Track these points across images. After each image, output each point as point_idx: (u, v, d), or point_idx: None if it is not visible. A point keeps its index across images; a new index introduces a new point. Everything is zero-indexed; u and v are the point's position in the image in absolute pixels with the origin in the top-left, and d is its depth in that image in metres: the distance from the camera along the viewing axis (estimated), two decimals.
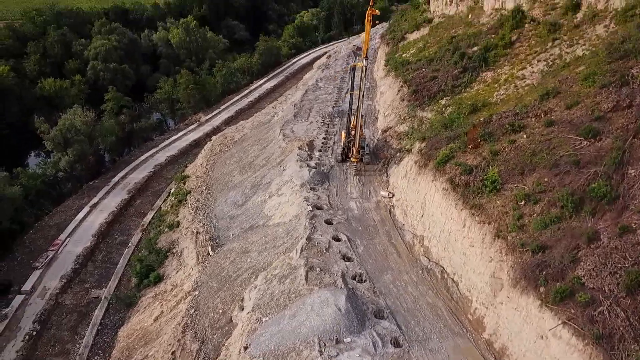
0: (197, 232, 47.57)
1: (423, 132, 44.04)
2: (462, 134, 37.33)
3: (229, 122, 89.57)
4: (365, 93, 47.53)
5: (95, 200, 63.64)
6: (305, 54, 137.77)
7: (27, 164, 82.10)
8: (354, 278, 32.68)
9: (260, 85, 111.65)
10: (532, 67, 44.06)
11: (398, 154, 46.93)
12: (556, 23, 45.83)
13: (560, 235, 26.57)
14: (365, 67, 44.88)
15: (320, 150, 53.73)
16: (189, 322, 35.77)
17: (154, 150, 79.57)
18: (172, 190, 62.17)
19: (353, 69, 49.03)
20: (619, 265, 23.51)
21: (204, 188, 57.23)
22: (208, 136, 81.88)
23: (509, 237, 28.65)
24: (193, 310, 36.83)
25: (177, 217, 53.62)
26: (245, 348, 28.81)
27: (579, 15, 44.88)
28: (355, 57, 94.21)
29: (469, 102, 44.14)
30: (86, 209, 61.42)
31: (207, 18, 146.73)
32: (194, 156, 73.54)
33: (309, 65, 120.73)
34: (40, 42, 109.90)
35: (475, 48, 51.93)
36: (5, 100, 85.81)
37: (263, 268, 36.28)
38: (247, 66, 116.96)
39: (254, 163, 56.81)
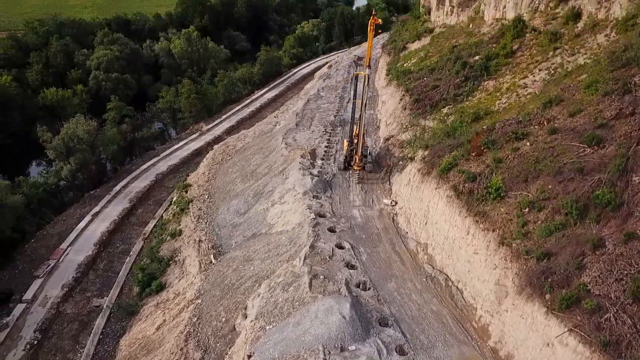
0: (200, 241, 47.48)
1: (426, 140, 44.16)
2: (465, 141, 37.42)
3: (230, 131, 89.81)
4: (367, 102, 47.63)
5: (96, 209, 63.67)
6: (306, 64, 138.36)
7: (29, 173, 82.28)
8: (358, 286, 32.57)
9: (262, 95, 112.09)
10: (533, 76, 44.27)
11: (400, 162, 46.99)
12: (557, 32, 46.11)
13: (565, 242, 26.55)
14: (368, 75, 45.08)
15: (322, 159, 53.82)
16: (192, 330, 35.59)
17: (155, 159, 79.74)
18: (174, 199, 62.15)
19: (356, 77, 49.25)
20: (625, 271, 23.48)
21: (206, 196, 57.22)
22: (209, 145, 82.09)
23: (513, 245, 28.62)
24: (196, 318, 36.67)
25: (180, 225, 53.55)
26: (249, 356, 28.63)
27: (580, 24, 45.18)
28: (357, 67, 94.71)
29: (471, 111, 44.29)
30: (88, 218, 61.44)
31: (209, 29, 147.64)
32: (196, 165, 73.65)
33: (309, 75, 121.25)
34: (43, 52, 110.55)
35: (477, 57, 52.21)
36: (8, 110, 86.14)
37: (266, 276, 36.18)
38: (249, 76, 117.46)
39: (256, 171, 56.85)
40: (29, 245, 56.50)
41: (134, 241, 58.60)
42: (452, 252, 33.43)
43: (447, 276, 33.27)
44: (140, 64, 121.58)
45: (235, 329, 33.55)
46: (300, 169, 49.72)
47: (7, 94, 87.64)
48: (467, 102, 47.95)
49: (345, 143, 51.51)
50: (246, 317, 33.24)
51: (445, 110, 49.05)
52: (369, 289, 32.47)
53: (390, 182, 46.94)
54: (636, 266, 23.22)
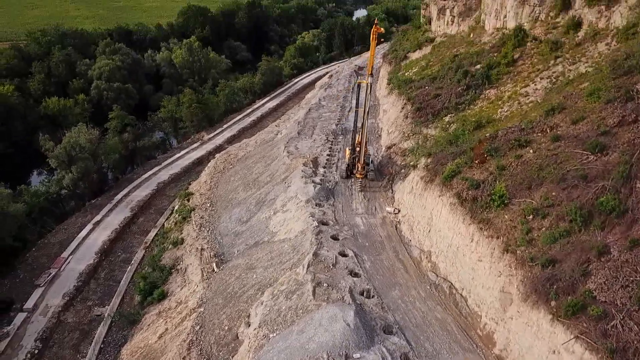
0: (202, 249, 47.38)
1: (428, 148, 44.29)
2: (468, 149, 37.49)
3: (231, 140, 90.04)
4: (369, 110, 47.84)
5: (98, 217, 63.62)
6: (307, 74, 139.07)
7: (30, 182, 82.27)
8: (361, 294, 32.44)
9: (263, 104, 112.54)
10: (535, 85, 44.50)
11: (403, 170, 47.04)
12: (558, 42, 46.44)
13: (570, 249, 26.50)
14: (371, 84, 45.29)
15: (324, 167, 53.90)
16: (194, 339, 35.38)
17: (156, 168, 79.81)
18: (176, 208, 62.12)
19: (358, 86, 49.47)
20: (631, 278, 23.42)
21: (208, 205, 57.20)
22: (211, 154, 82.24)
23: (518, 252, 28.57)
24: (198, 327, 36.47)
25: (181, 234, 53.47)
26: None
27: (580, 33, 45.52)
28: (357, 77, 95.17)
29: (473, 119, 44.47)
30: (89, 227, 61.36)
31: (210, 39, 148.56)
32: (197, 174, 73.69)
33: (310, 85, 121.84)
34: (45, 62, 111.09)
35: (478, 66, 52.51)
36: (10, 119, 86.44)
37: (269, 284, 36.06)
38: (250, 86, 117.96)
39: (258, 180, 56.89)
40: (30, 254, 56.36)
41: (135, 250, 58.51)
42: (456, 259, 33.35)
43: (451, 284, 33.16)
44: (142, 74, 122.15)
45: (238, 338, 33.38)
46: (302, 177, 49.77)
47: (9, 103, 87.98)
48: (469, 111, 48.15)
49: (347, 151, 51.63)
50: (249, 326, 33.09)
51: (447, 119, 49.24)
52: (373, 296, 32.34)
53: (392, 190, 46.96)
54: None
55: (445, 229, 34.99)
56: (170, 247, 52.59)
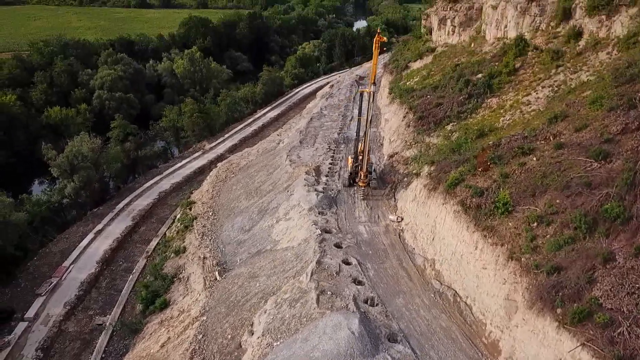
0: (204, 258, 47.26)
1: (431, 156, 44.35)
2: (472, 157, 37.57)
3: (233, 150, 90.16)
4: (371, 118, 48.02)
5: (99, 226, 63.55)
6: (308, 84, 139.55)
7: (31, 192, 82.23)
8: (365, 302, 32.32)
9: (264, 114, 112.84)
10: (536, 93, 44.70)
11: (405, 178, 47.07)
12: (559, 51, 46.74)
13: (575, 256, 26.44)
14: (373, 92, 45.50)
15: (327, 175, 53.94)
16: (197, 348, 35.19)
17: (158, 177, 79.83)
18: (178, 216, 62.09)
19: (361, 94, 49.69)
20: (637, 285, 23.37)
21: (210, 214, 57.16)
22: (212, 164, 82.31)
23: (522, 259, 28.51)
24: (201, 335, 36.30)
25: (184, 242, 53.37)
26: None
27: (581, 43, 45.83)
28: (359, 86, 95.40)
29: (476, 128, 44.60)
30: (90, 236, 61.27)
31: (211, 49, 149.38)
32: (199, 183, 73.71)
33: (311, 95, 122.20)
34: (47, 72, 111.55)
35: (480, 75, 52.77)
36: (12, 129, 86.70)
37: (272, 292, 35.91)
38: (251, 95, 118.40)
39: (260, 188, 56.91)
40: (31, 263, 56.22)
41: (136, 259, 58.38)
42: (460, 267, 33.28)
43: (456, 292, 33.05)
44: (143, 84, 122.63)
45: (241, 346, 33.19)
46: (305, 185, 49.79)
47: (11, 112, 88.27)
48: (471, 119, 48.31)
49: (350, 160, 51.73)
50: (252, 334, 32.90)
51: (449, 127, 49.38)
52: (377, 304, 32.22)
53: (395, 198, 46.96)
54: None
55: (449, 236, 34.95)
56: (172, 255, 52.47)
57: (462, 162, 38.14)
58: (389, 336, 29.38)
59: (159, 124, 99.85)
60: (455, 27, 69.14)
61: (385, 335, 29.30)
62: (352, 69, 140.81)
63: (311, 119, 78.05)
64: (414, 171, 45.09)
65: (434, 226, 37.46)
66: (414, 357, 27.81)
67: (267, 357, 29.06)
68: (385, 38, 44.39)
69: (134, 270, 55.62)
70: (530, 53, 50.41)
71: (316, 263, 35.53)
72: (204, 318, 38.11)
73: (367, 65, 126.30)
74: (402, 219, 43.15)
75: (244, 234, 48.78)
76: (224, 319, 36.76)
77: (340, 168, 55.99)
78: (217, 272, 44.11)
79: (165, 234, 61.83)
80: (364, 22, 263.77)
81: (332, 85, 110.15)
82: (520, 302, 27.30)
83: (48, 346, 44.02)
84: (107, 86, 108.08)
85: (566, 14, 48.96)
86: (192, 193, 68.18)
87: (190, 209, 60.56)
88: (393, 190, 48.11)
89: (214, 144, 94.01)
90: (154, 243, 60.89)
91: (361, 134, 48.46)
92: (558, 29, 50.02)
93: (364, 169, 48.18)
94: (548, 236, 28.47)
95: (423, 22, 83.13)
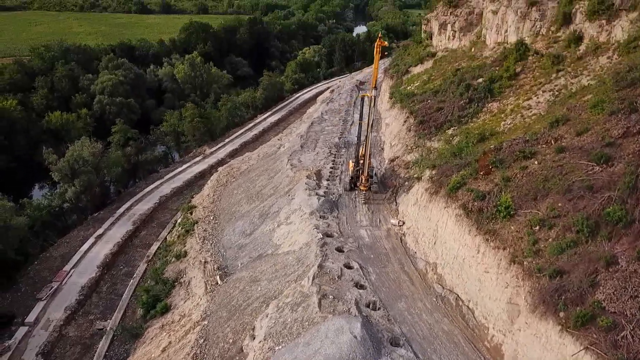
0: (205, 262, 47.17)
1: (432, 160, 44.37)
2: (473, 161, 37.58)
3: (233, 154, 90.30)
4: (373, 122, 48.11)
5: (100, 231, 63.59)
6: (308, 89, 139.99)
7: (32, 196, 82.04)
8: (367, 306, 32.23)
9: (264, 119, 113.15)
10: (537, 98, 44.78)
11: (407, 182, 47.06)
12: (559, 55, 46.87)
13: (577, 259, 26.42)
14: (375, 97, 45.59)
15: (328, 180, 53.93)
16: (199, 352, 35.04)
17: (159, 182, 79.97)
18: (179, 221, 62.08)
19: (362, 98, 49.77)
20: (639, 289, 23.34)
21: (212, 218, 57.12)
22: (213, 168, 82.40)
23: (525, 263, 28.46)
24: (202, 340, 36.15)
25: (185, 246, 53.31)
26: None
27: (582, 47, 45.96)
28: (359, 91, 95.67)
29: (477, 132, 44.64)
30: (91, 240, 61.31)
31: (211, 54, 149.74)
32: (199, 188, 73.77)
33: (311, 100, 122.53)
34: (48, 77, 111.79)
35: (480, 80, 52.85)
36: (13, 133, 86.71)
37: (274, 296, 35.82)
38: (251, 100, 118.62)
39: (261, 192, 56.89)
40: (31, 267, 56.19)
41: (137, 263, 58.37)
42: (462, 271, 33.22)
43: (458, 295, 32.99)
44: (144, 89, 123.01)
45: (242, 350, 33.04)
46: (306, 189, 49.77)
47: (12, 117, 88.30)
48: (472, 124, 48.36)
49: (351, 164, 51.76)
50: (254, 338, 32.78)
51: (450, 132, 49.43)
52: (379, 308, 32.13)
53: (396, 202, 46.93)
54: None
55: (451, 240, 34.91)
56: (173, 260, 52.41)
57: (463, 166, 38.14)
58: (391, 340, 29.28)
59: (160, 129, 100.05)
60: (455, 32, 69.33)
61: (388, 339, 29.20)
62: (353, 74, 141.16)
63: (312, 123, 78.16)
64: (415, 175, 45.05)
65: (435, 230, 37.43)
66: None
67: None
68: (386, 42, 44.49)
69: (135, 275, 55.60)
70: (530, 57, 50.52)
71: (318, 267, 35.46)
72: (205, 322, 37.99)
73: (367, 70, 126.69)
74: (404, 222, 43.12)
75: (245, 238, 48.74)
76: (225, 323, 36.65)
77: (342, 172, 56.01)
78: (218, 277, 44.02)
79: (166, 238, 61.84)
80: (364, 27, 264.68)
81: (333, 90, 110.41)
82: (523, 305, 27.25)
83: (48, 351, 43.95)
84: (108, 91, 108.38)
85: (566, 19, 49.14)
86: (193, 197, 68.20)
87: (191, 213, 60.55)
88: (394, 194, 48.09)
89: (214, 148, 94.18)
90: (154, 247, 60.90)
91: (362, 138, 48.52)
92: (558, 34, 50.19)
93: (366, 173, 48.21)
94: (550, 240, 28.45)
95: (423, 27, 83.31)
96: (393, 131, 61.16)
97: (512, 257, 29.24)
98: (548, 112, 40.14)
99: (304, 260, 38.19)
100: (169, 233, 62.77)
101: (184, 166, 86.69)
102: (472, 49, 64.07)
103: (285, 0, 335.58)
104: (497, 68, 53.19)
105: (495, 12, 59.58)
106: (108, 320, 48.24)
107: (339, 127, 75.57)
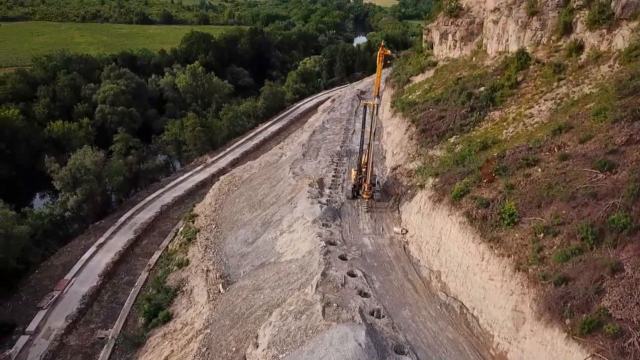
0: (208, 270, 47.06)
1: (435, 168, 44.40)
2: (476, 169, 37.63)
3: (234, 163, 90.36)
4: (375, 131, 48.24)
5: (101, 240, 63.48)
6: (309, 98, 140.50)
7: (32, 205, 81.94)
8: (372, 313, 32.12)
9: (266, 128, 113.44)
10: (539, 106, 44.94)
11: (409, 190, 47.06)
12: (561, 64, 47.11)
13: (583, 266, 26.35)
14: (377, 105, 45.77)
15: (330, 188, 53.94)
16: None
17: (160, 191, 79.95)
18: (181, 229, 62.06)
19: (365, 107, 49.96)
20: None
21: (214, 226, 57.07)
22: (214, 177, 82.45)
23: (529, 270, 28.39)
24: (205, 348, 35.96)
25: (187, 255, 53.22)
26: None
27: (583, 56, 46.22)
28: (360, 100, 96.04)
29: (479, 140, 44.76)
30: (92, 249, 61.18)
31: (212, 64, 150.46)
32: (201, 197, 73.77)
33: (312, 109, 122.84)
34: (50, 87, 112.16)
35: (482, 88, 53.07)
36: (14, 142, 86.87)
37: (277, 304, 35.68)
38: (253, 110, 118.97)
39: (263, 201, 56.89)
40: (33, 276, 56.03)
41: (138, 272, 58.22)
42: (466, 279, 33.13)
43: (462, 303, 32.86)
44: (146, 98, 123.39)
45: (246, 359, 32.84)
46: (308, 197, 49.76)
47: (14, 126, 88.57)
48: (474, 132, 48.48)
49: (353, 172, 51.81)
50: (257, 347, 32.59)
51: (452, 140, 49.53)
52: (383, 316, 32.02)
53: (399, 210, 46.91)
54: None
55: (455, 248, 34.85)
56: (175, 268, 52.28)
57: (466, 174, 38.17)
58: (395, 348, 29.15)
59: (161, 138, 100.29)
60: (456, 41, 69.78)
61: (392, 347, 29.07)
62: (353, 83, 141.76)
63: (313, 132, 78.35)
64: (418, 183, 45.05)
65: (439, 238, 37.38)
66: None
67: None
68: (389, 51, 44.75)
69: (136, 284, 55.44)
70: (532, 66, 50.78)
71: (321, 275, 35.36)
72: (208, 331, 37.82)
73: (368, 80, 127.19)
74: (407, 231, 43.08)
75: (247, 247, 48.65)
76: (228, 332, 36.47)
77: (344, 180, 56.06)
78: (220, 285, 43.89)
79: (167, 247, 61.75)
80: (364, 38, 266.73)
81: (334, 100, 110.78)
82: (528, 313, 27.13)
83: None
84: (110, 100, 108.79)
85: (567, 28, 49.50)
86: (195, 206, 68.16)
87: (193, 222, 60.50)
88: (397, 202, 48.08)
89: (215, 157, 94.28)
90: (156, 256, 60.78)
91: (365, 146, 48.61)
92: (559, 43, 50.52)
93: (368, 181, 48.24)
94: (555, 247, 28.41)
95: (424, 36, 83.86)
96: (395, 140, 61.30)
97: (517, 265, 29.17)
98: (550, 120, 40.29)
99: (307, 268, 38.09)
100: (170, 242, 62.70)
101: (185, 175, 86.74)
102: (473, 58, 64.45)
103: (285, 11, 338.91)
104: (499, 77, 53.45)
105: (496, 22, 60.02)
106: (109, 329, 48.01)
107: (341, 135, 75.78)
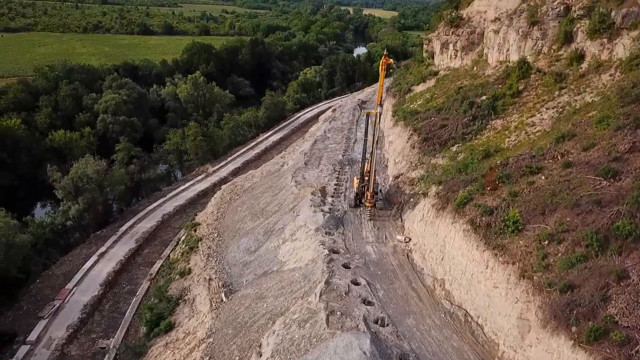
0: (210, 279, 46.91)
1: (438, 176, 44.44)
2: (479, 176, 37.66)
3: (236, 172, 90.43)
4: (377, 139, 48.36)
5: (103, 249, 63.27)
6: (309, 108, 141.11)
7: (34, 214, 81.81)
8: (376, 322, 31.95)
9: (267, 137, 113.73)
10: (541, 115, 45.13)
11: (412, 198, 47.08)
12: (562, 73, 47.40)
13: (588, 274, 26.25)
14: (380, 113, 45.95)
15: (332, 196, 53.95)
16: None
17: (161, 200, 79.85)
18: (183, 238, 61.92)
19: (367, 115, 50.12)
20: None
21: (216, 235, 56.98)
22: (216, 186, 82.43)
23: (534, 277, 28.28)
24: (207, 358, 35.77)
25: (189, 264, 53.07)
26: None
27: (584, 65, 46.52)
28: (361, 110, 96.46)
29: (481, 148, 44.89)
30: (94, 258, 60.94)
31: (214, 75, 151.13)
32: (202, 206, 73.72)
33: (313, 119, 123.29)
34: (52, 96, 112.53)
35: (484, 97, 53.27)
36: (16, 152, 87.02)
37: (280, 313, 35.51)
38: (254, 119, 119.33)
39: (265, 210, 56.86)
40: (34, 285, 55.71)
41: (140, 281, 57.94)
42: (470, 286, 33.00)
43: (467, 311, 32.71)
44: (147, 108, 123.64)
45: None
46: (311, 205, 49.76)
47: (16, 136, 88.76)
48: (476, 140, 48.62)
49: (355, 181, 51.88)
50: (261, 356, 32.38)
51: (454, 149, 49.66)
52: (388, 325, 31.86)
53: (402, 218, 46.89)
54: None
55: (459, 256, 34.77)
56: (177, 277, 52.10)
57: (470, 182, 38.19)
58: (400, 356, 28.95)
59: (163, 147, 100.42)
60: (457, 51, 70.20)
61: (397, 356, 28.88)
62: (354, 93, 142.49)
63: (315, 141, 78.55)
64: (421, 191, 45.07)
65: (443, 246, 37.30)
66: None
67: None
68: (391, 60, 45.01)
69: (138, 293, 55.14)
70: (533, 75, 51.06)
71: (325, 283, 35.22)
72: (211, 340, 37.61)
73: (368, 90, 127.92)
74: (410, 239, 43.01)
75: (249, 255, 48.53)
76: (231, 341, 36.27)
77: (346, 189, 56.11)
78: (223, 294, 43.72)
79: (169, 256, 61.55)
80: (364, 48, 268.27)
81: (335, 109, 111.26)
82: (534, 321, 26.99)
83: None
84: (111, 110, 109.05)
85: (568, 38, 49.87)
86: (196, 215, 68.10)
87: (195, 231, 60.39)
88: (399, 210, 48.09)
89: (217, 167, 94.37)
90: (157, 265, 60.52)
91: (367, 154, 48.70)
92: (560, 52, 50.84)
93: (371, 190, 48.27)
94: (560, 254, 28.32)
95: (425, 46, 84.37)
96: (397, 148, 61.43)
97: (522, 272, 29.06)
98: (553, 128, 40.42)
99: (310, 277, 37.97)
100: (172, 251, 62.51)
101: (187, 184, 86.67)
102: (474, 68, 64.79)
103: (286, 22, 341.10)
104: (500, 86, 53.71)
105: (496, 32, 60.42)
106: (111, 339, 47.64)
107: (342, 144, 75.98)
